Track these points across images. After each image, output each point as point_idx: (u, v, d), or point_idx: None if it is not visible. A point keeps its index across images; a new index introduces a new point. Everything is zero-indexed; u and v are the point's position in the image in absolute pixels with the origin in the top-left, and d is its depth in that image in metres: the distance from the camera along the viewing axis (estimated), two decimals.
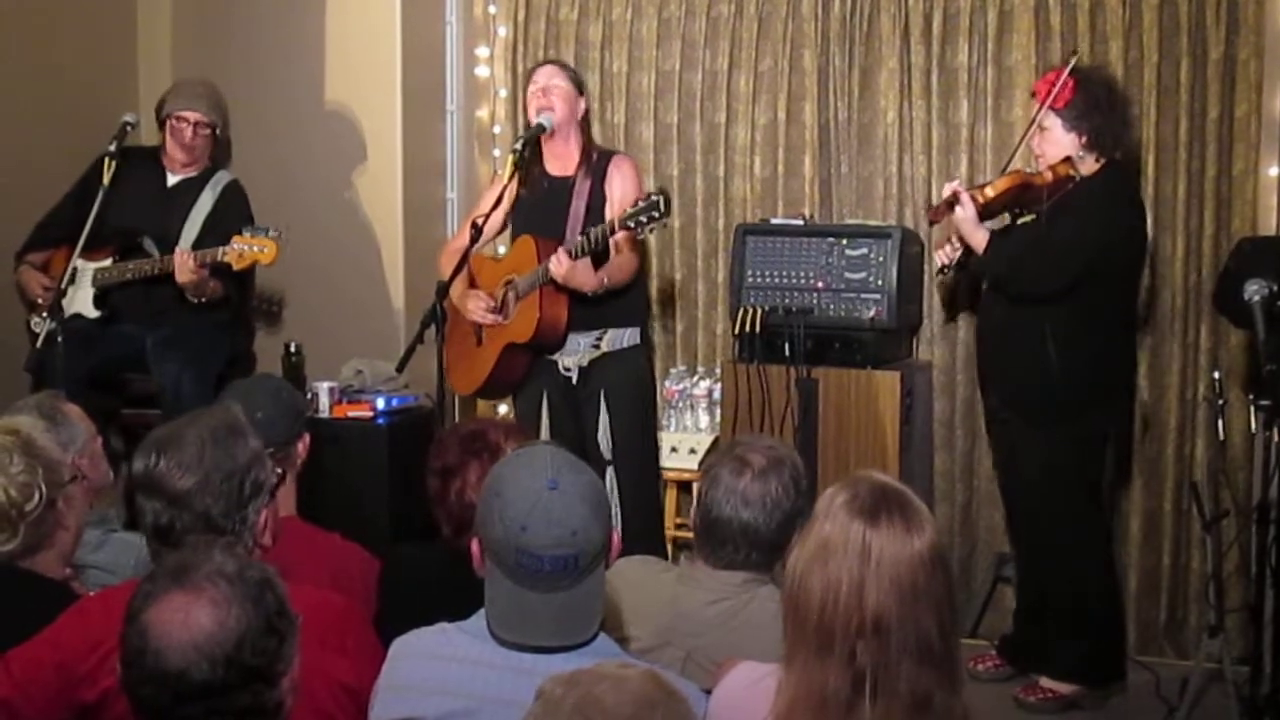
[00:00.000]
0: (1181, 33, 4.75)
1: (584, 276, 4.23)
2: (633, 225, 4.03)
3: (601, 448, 4.40)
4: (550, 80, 4.42)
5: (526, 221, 4.52)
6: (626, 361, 4.45)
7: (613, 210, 4.34)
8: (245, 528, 2.44)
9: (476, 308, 4.48)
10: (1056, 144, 4.28)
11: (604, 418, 4.41)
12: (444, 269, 4.34)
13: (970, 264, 4.43)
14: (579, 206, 4.39)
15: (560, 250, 4.21)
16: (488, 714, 2.10)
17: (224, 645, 1.79)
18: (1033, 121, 4.33)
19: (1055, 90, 4.22)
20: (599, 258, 4.29)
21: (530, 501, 2.13)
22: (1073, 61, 4.29)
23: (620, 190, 4.39)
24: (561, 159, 4.47)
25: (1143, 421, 4.83)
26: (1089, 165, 4.28)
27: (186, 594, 1.82)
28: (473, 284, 4.57)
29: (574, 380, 4.44)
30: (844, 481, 2.07)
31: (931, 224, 4.68)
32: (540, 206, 4.47)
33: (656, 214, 3.98)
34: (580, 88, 4.50)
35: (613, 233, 4.14)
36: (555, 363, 4.45)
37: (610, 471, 4.37)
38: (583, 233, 4.26)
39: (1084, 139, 4.25)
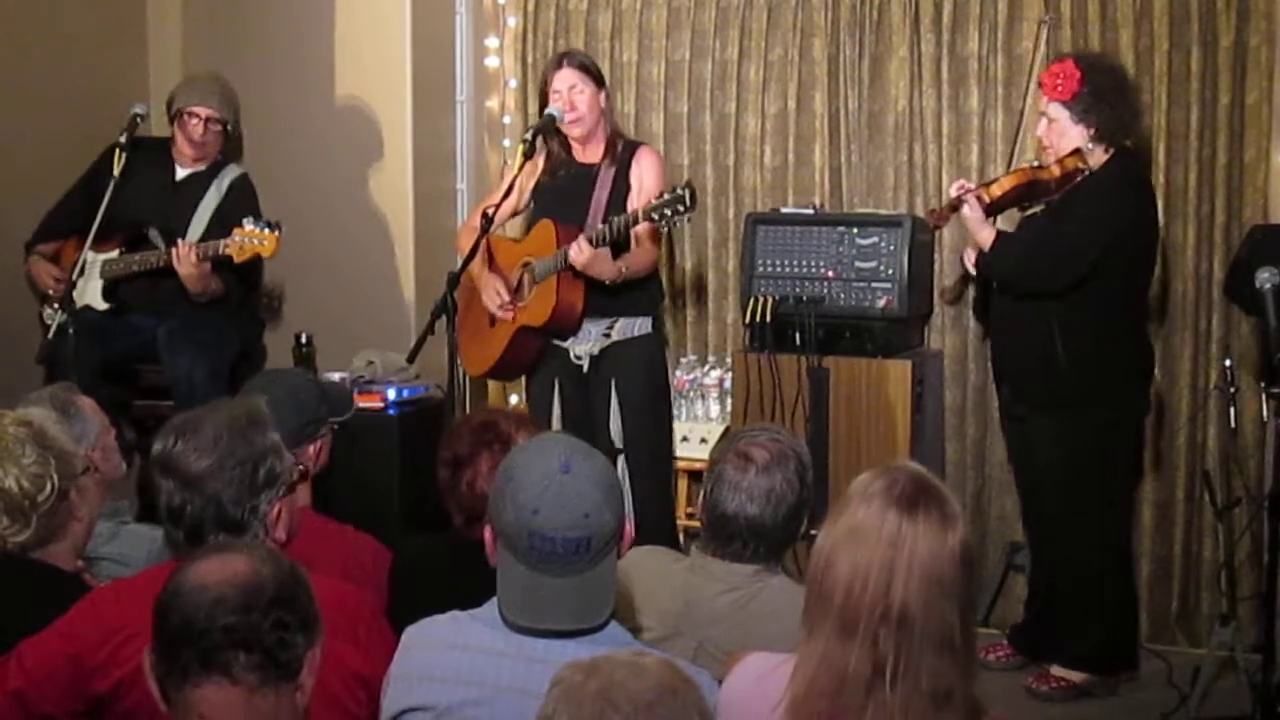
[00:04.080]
0: (1192, 20, 4.74)
1: (603, 265, 4.23)
2: (656, 217, 4.03)
3: (612, 435, 4.41)
4: (571, 89, 4.37)
5: (548, 206, 4.51)
6: (637, 349, 4.43)
7: (636, 201, 4.33)
8: (256, 517, 2.45)
9: (491, 298, 4.48)
10: (1065, 135, 4.25)
11: (615, 405, 4.41)
12: (462, 246, 4.35)
13: (977, 263, 4.42)
14: (601, 196, 4.39)
15: (581, 237, 4.20)
16: (499, 702, 2.11)
17: (258, 588, 1.86)
18: (1021, 114, 4.38)
19: (1061, 82, 4.20)
20: (619, 248, 4.29)
21: (543, 485, 2.14)
22: (1044, 32, 4.28)
23: (644, 180, 4.38)
24: (587, 148, 4.48)
25: (1155, 410, 4.82)
26: (1098, 156, 4.26)
27: (223, 554, 1.92)
28: (492, 263, 4.55)
29: (585, 369, 4.44)
30: (881, 468, 2.04)
31: (934, 229, 4.67)
32: (563, 192, 4.46)
33: (681, 208, 3.97)
34: (600, 82, 4.46)
35: (635, 223, 4.14)
36: (567, 351, 4.45)
37: (621, 460, 4.37)
38: (604, 221, 4.26)
39: (1092, 130, 4.22)
